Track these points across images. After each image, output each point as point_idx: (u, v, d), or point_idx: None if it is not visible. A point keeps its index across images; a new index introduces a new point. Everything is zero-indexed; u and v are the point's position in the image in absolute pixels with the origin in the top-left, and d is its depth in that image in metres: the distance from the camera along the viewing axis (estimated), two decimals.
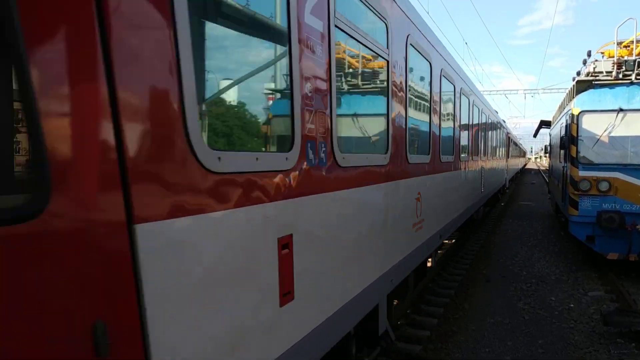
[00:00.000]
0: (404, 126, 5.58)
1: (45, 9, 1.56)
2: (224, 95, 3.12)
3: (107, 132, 1.77)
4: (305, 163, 3.19)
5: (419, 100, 6.59)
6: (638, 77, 11.67)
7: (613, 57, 12.90)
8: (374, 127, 5.09)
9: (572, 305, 8.89)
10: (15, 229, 1.48)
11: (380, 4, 4.46)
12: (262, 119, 3.41)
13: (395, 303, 6.88)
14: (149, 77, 1.97)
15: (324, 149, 3.48)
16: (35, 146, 1.51)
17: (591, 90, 11.48)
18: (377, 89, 5.05)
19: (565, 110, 14.01)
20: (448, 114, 8.76)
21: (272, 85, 3.43)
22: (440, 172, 7.78)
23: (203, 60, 2.71)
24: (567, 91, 16.68)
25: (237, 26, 3.10)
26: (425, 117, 6.96)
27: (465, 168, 10.76)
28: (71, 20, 1.65)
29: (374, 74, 4.98)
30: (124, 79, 1.83)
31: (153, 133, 1.98)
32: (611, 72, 12.51)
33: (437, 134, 7.58)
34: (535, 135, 40.71)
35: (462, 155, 10.33)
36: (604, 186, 10.60)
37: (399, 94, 5.42)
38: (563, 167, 12.94)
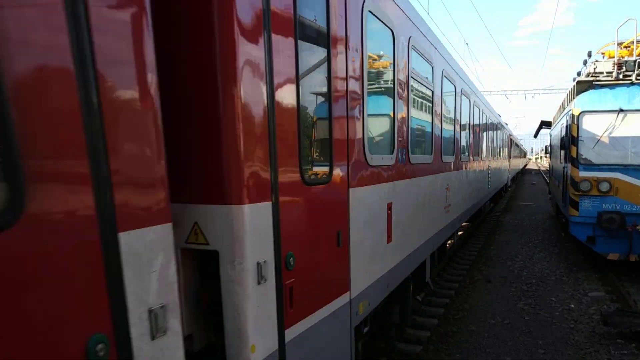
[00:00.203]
0: (439, 134, 7.65)
1: None
2: (379, 122, 5.15)
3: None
4: (398, 161, 5.36)
5: (446, 114, 8.48)
6: (638, 78, 11.67)
7: (613, 57, 12.91)
8: (425, 136, 7.02)
9: (572, 305, 8.89)
10: None
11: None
12: (387, 136, 5.32)
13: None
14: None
15: (405, 152, 5.64)
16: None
17: (591, 91, 11.48)
18: (427, 108, 7.12)
19: (565, 111, 14.01)
20: (465, 124, 10.83)
21: (391, 116, 5.36)
22: (460, 169, 9.92)
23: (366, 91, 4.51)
24: (568, 92, 16.67)
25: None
26: (451, 127, 9.02)
27: (476, 167, 12.87)
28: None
29: (425, 96, 6.98)
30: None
31: (337, 147, 3.83)
32: (611, 72, 12.52)
33: (458, 140, 9.76)
34: (535, 136, 40.66)
35: (475, 156, 12.55)
36: (604, 187, 10.60)
37: (437, 110, 7.50)
38: (563, 167, 12.94)
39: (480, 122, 14.04)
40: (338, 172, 3.80)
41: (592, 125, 10.98)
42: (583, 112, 11.07)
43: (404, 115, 5.65)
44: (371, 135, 4.64)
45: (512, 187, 37.01)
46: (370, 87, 4.60)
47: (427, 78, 6.84)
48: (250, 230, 2.67)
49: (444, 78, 7.94)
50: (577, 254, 12.70)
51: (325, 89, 3.63)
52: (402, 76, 5.54)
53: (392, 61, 5.25)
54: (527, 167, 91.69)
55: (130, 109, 1.94)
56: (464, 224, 13.25)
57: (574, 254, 12.91)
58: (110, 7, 1.87)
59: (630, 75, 11.74)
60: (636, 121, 10.57)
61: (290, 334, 3.11)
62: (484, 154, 14.82)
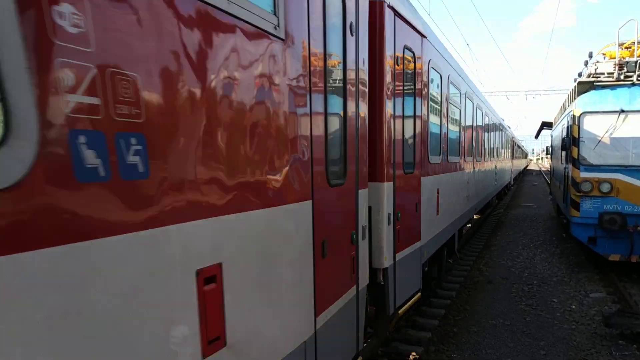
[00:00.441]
0: (463, 141, 10.46)
1: None
2: (434, 134, 7.63)
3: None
4: (442, 160, 7.90)
5: (466, 125, 11.09)
6: (639, 79, 11.65)
7: (614, 58, 12.89)
8: (455, 143, 9.62)
9: (573, 306, 8.89)
10: None
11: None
12: (437, 144, 7.78)
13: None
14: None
15: (445, 155, 8.26)
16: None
17: (592, 92, 11.47)
18: (457, 122, 9.72)
19: (566, 112, 14.00)
20: (479, 131, 13.58)
21: (439, 130, 7.95)
22: (475, 168, 12.56)
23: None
24: (569, 92, 16.65)
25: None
26: (470, 135, 11.61)
27: (486, 167, 15.75)
28: None
29: (456, 114, 9.69)
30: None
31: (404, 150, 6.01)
32: (612, 73, 12.50)
33: (475, 144, 12.39)
34: (536, 137, 40.66)
35: (485, 157, 15.40)
36: (605, 187, 10.59)
37: (462, 123, 10.32)
38: (564, 168, 12.94)
39: (489, 129, 16.89)
40: (418, 167, 6.49)
41: (593, 126, 10.97)
42: (584, 113, 11.06)
43: (445, 129, 8.42)
44: (431, 144, 7.22)
45: (514, 188, 37.06)
46: (431, 112, 7.29)
47: (457, 101, 9.78)
48: (385, 196, 5.20)
49: (466, 99, 10.99)
50: (578, 255, 12.68)
51: (416, 122, 6.42)
52: (444, 103, 8.41)
53: (439, 94, 8.00)
54: (528, 167, 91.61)
55: (364, 139, 4.57)
56: (475, 217, 16.17)
57: (575, 254, 12.90)
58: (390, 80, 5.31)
59: (631, 76, 11.72)
60: (637, 122, 10.56)
61: (398, 257, 5.66)
62: (491, 156, 17.66)
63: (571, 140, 11.43)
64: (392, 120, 5.43)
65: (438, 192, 7.65)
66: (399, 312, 5.89)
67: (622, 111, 10.65)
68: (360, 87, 4.36)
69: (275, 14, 2.75)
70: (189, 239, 2.11)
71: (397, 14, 5.55)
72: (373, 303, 5.42)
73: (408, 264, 6.06)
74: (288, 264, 3.05)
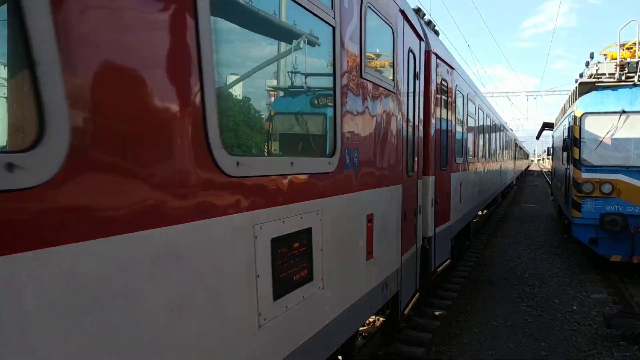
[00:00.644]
0: (478, 145, 13.22)
1: None
2: (459, 140, 10.22)
3: None
4: (463, 161, 10.43)
5: (480, 132, 13.94)
6: None
7: (616, 59, 12.89)
8: (472, 146, 12.20)
9: (575, 307, 8.88)
10: None
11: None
12: (460, 147, 10.22)
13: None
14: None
15: (466, 156, 10.90)
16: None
17: (594, 92, 11.47)
18: (473, 130, 12.49)
19: (567, 112, 14.00)
20: (490, 136, 16.76)
21: (463, 137, 10.59)
22: (485, 167, 15.06)
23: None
24: (570, 93, 16.65)
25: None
26: (482, 139, 14.58)
27: (493, 167, 18.37)
28: None
29: (473, 124, 12.49)
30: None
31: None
32: (614, 74, 12.50)
33: (486, 147, 15.30)
34: (537, 138, 40.65)
35: (494, 158, 18.31)
36: (606, 188, 10.58)
37: (477, 131, 13.05)
38: (566, 169, 12.93)
39: (496, 133, 19.65)
40: (449, 166, 8.68)
41: (595, 127, 10.96)
42: (585, 114, 11.06)
43: (465, 135, 10.70)
44: (456, 148, 9.41)
45: (515, 189, 37.05)
46: (456, 124, 9.60)
47: (472, 112, 12.20)
48: (430, 186, 7.10)
49: (479, 110, 13.56)
50: (580, 256, 12.67)
51: (448, 132, 8.70)
52: (464, 115, 10.70)
53: (461, 109, 10.29)
54: (530, 168, 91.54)
55: (421, 146, 6.76)
56: (480, 213, 17.99)
57: (576, 255, 12.89)
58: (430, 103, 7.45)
59: (632, 77, 11.71)
60: (638, 122, 10.55)
61: (437, 230, 7.59)
62: (497, 157, 20.36)
63: (572, 141, 11.42)
64: (434, 132, 7.58)
65: (460, 186, 10.10)
66: (437, 270, 8.00)
67: (624, 112, 10.65)
68: (421, 113, 6.80)
69: (393, 81, 5.24)
70: (365, 199, 4.37)
71: (438, 57, 7.78)
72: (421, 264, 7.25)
73: (443, 236, 8.28)
74: (393, 220, 5.35)
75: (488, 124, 16.00)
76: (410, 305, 6.47)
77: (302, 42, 4.23)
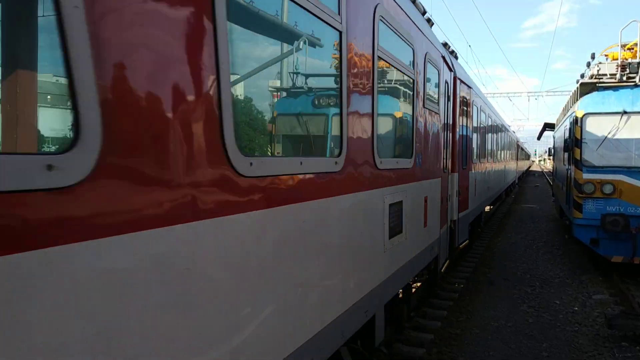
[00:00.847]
0: (487, 145, 15.46)
1: None
2: (474, 145, 12.80)
3: None
4: (478, 161, 13.32)
5: (492, 138, 17.32)
6: None
7: (617, 59, 12.86)
8: (486, 148, 15.58)
9: (576, 308, 8.86)
10: None
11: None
12: (476, 149, 13.03)
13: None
14: None
15: (478, 156, 13.37)
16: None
17: (595, 93, 11.46)
18: (483, 131, 14.60)
19: (569, 113, 13.98)
20: (498, 140, 20.02)
21: (479, 142, 13.88)
22: (493, 167, 17.74)
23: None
24: (571, 94, 16.63)
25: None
26: (493, 143, 17.83)
27: (499, 167, 21.01)
28: None
29: (487, 129, 16.18)
30: None
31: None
32: (615, 74, 12.47)
33: (496, 149, 18.54)
34: (539, 138, 40.63)
35: (500, 159, 21.07)
36: (608, 189, 10.57)
37: (490, 135, 16.46)
38: (567, 169, 12.92)
39: (501, 137, 22.22)
40: (468, 165, 10.86)
41: (596, 127, 10.95)
42: (586, 114, 11.04)
43: (478, 140, 12.87)
44: (472, 150, 11.67)
45: (516, 189, 37.07)
46: (472, 131, 11.78)
47: (484, 120, 14.52)
48: (456, 180, 9.32)
49: (488, 118, 16.07)
50: (581, 257, 12.66)
51: (467, 138, 10.99)
52: (478, 123, 12.95)
53: (476, 118, 12.60)
54: (531, 168, 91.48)
55: (448, 150, 8.91)
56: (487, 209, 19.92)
57: (577, 256, 12.87)
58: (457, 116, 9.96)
59: (633, 77, 11.69)
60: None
61: (459, 215, 9.71)
62: (502, 158, 22.94)
63: (573, 142, 11.41)
64: (458, 139, 9.77)
65: (475, 181, 12.38)
66: (459, 247, 10.33)
67: (625, 112, 10.63)
68: (450, 125, 9.07)
69: (438, 106, 7.70)
70: (424, 186, 6.54)
71: (461, 81, 10.23)
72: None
73: (463, 220, 10.56)
74: (437, 203, 7.57)
75: (495, 129, 18.84)
76: (444, 267, 9.09)
77: (403, 97, 6.20)
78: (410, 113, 6.09)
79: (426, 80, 6.72)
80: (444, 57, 8.21)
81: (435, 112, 7.44)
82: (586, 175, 10.80)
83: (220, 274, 2.44)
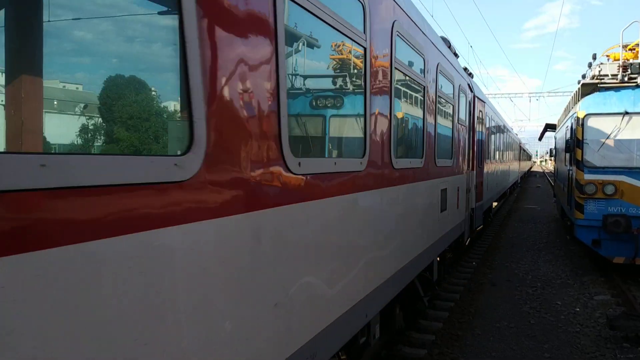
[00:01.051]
0: (495, 147, 18.78)
1: None
2: (486, 148, 15.76)
3: None
4: (490, 161, 16.53)
5: (501, 142, 21.24)
6: None
7: (618, 60, 12.86)
8: (497, 150, 19.86)
9: (578, 309, 8.85)
10: None
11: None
12: (489, 151, 16.98)
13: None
14: None
15: (489, 157, 16.24)
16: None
17: (596, 93, 11.45)
18: (493, 136, 18.06)
19: (570, 114, 13.97)
20: (501, 141, 21.61)
21: (493, 146, 18.51)
22: (500, 167, 20.60)
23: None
24: (573, 94, 16.63)
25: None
26: (501, 145, 21.42)
27: (505, 166, 23.92)
28: None
29: (497, 132, 20.26)
30: None
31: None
32: (616, 75, 12.47)
33: (499, 150, 20.46)
34: (540, 139, 40.58)
35: (506, 160, 23.95)
36: (609, 190, 10.55)
37: (499, 139, 20.63)
38: (568, 170, 12.90)
39: (506, 139, 24.95)
40: (482, 164, 13.47)
41: (597, 128, 10.94)
42: (588, 115, 11.03)
43: (489, 143, 15.10)
44: (485, 152, 14.34)
45: (517, 190, 37.08)
46: (485, 136, 14.58)
47: (493, 125, 17.36)
48: (474, 176, 11.81)
49: (496, 124, 19.05)
50: (582, 257, 12.64)
51: (482, 142, 13.87)
52: (489, 129, 15.37)
53: (488, 125, 15.51)
54: (532, 169, 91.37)
55: (470, 153, 11.42)
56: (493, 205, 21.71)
57: (579, 257, 12.85)
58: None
59: (635, 78, 11.69)
60: None
61: (476, 204, 12.26)
62: (507, 159, 25.78)
63: (575, 142, 11.39)
64: (476, 143, 11.98)
65: (487, 178, 14.78)
66: (476, 229, 12.86)
67: (626, 113, 10.62)
68: (470, 133, 11.37)
69: (466, 121, 10.68)
70: (458, 179, 9.44)
71: (478, 98, 12.69)
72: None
73: (479, 208, 12.97)
74: (464, 192, 10.19)
75: (501, 134, 21.75)
76: (467, 241, 11.99)
77: (449, 118, 8.92)
78: (451, 128, 8.96)
79: (459, 105, 9.72)
80: (469, 85, 11.26)
81: (464, 126, 10.36)
82: (588, 176, 10.78)
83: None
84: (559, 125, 20.76)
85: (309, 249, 3.44)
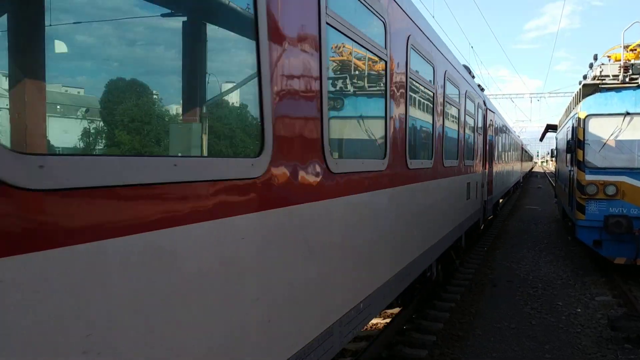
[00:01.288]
0: (501, 149, 21.49)
1: None
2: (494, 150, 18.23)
3: None
4: (496, 162, 18.13)
5: (502, 140, 22.11)
6: None
7: (619, 60, 12.87)
8: (503, 151, 22.83)
9: (579, 310, 8.85)
10: None
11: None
12: (496, 152, 19.15)
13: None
14: None
15: (497, 158, 19.32)
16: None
17: (598, 94, 11.44)
18: (499, 138, 20.70)
19: (571, 114, 13.97)
20: (506, 143, 23.98)
21: (502, 148, 23.14)
22: (505, 167, 23.40)
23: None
24: (574, 95, 16.62)
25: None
26: (505, 146, 24.03)
27: (509, 167, 26.51)
28: None
29: (499, 134, 21.00)
30: None
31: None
32: (618, 75, 12.47)
33: (505, 152, 23.33)
34: (541, 139, 40.58)
35: (509, 160, 25.94)
36: (611, 190, 10.55)
37: (505, 141, 24.42)
38: (570, 171, 12.90)
39: (510, 141, 27.10)
40: (492, 164, 15.96)
41: (599, 129, 10.93)
42: (589, 116, 11.03)
43: (496, 145, 17.75)
44: (494, 154, 17.15)
45: (520, 190, 37.12)
46: (494, 139, 17.36)
47: (499, 129, 19.31)
48: (484, 175, 13.76)
49: (502, 127, 20.82)
50: (584, 258, 12.64)
51: (493, 145, 16.79)
52: (496, 133, 18.37)
53: (497, 130, 18.50)
54: (533, 169, 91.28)
55: (483, 155, 14.02)
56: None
57: (580, 257, 12.85)
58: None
59: (636, 79, 11.69)
60: None
61: (488, 197, 14.70)
62: (511, 159, 28.18)
63: (576, 143, 11.39)
64: (487, 147, 14.02)
65: (495, 176, 16.74)
66: (488, 218, 15.74)
67: (628, 113, 10.62)
68: (485, 139, 13.97)
69: (482, 130, 13.54)
70: (478, 175, 12.39)
71: (489, 109, 14.79)
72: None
73: (490, 201, 15.19)
74: (480, 185, 12.75)
75: (506, 137, 24.10)
76: (482, 227, 14.97)
77: (473, 129, 11.74)
78: (474, 135, 11.54)
79: (478, 118, 12.28)
80: (483, 101, 13.66)
81: (480, 134, 12.85)
82: (589, 177, 10.78)
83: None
84: (560, 126, 20.75)
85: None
